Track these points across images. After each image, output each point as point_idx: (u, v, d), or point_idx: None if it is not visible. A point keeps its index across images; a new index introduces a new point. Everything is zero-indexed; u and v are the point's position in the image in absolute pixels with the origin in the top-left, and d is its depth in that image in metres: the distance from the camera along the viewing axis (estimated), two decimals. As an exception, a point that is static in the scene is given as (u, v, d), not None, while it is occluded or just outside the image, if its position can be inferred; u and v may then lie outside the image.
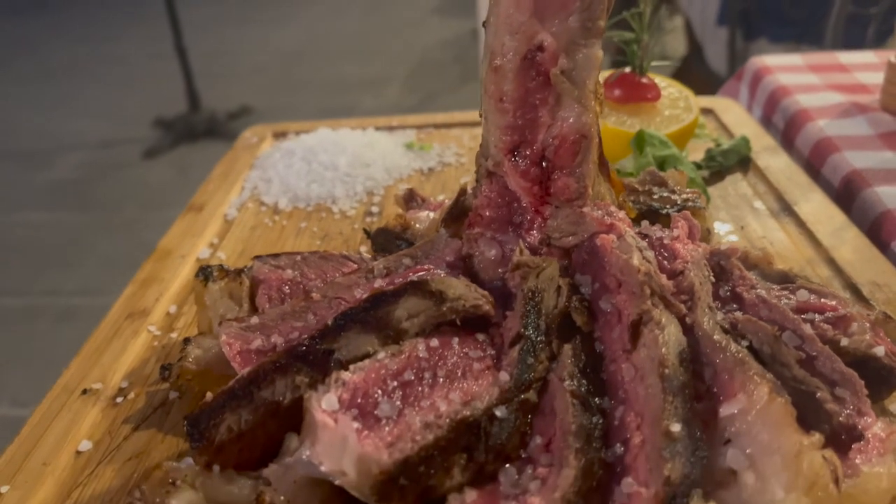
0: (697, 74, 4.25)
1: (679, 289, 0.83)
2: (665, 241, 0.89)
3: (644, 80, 1.41)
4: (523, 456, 0.73)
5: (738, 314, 0.81)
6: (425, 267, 0.94)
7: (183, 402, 0.94)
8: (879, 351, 0.81)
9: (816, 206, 1.26)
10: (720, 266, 0.89)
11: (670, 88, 1.47)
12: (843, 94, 1.71)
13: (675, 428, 0.68)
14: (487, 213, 0.96)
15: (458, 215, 0.99)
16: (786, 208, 1.28)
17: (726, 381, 0.74)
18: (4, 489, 0.82)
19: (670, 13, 5.56)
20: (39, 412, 0.94)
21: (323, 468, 0.68)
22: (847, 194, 1.37)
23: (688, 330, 0.79)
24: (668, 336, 0.75)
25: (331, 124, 1.70)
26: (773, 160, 1.44)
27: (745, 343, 0.79)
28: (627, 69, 1.42)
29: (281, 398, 0.76)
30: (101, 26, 7.81)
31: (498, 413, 0.73)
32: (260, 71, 6.39)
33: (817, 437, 0.68)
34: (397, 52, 6.59)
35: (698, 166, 1.39)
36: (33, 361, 2.94)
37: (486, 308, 0.83)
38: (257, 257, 1.03)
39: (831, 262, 1.12)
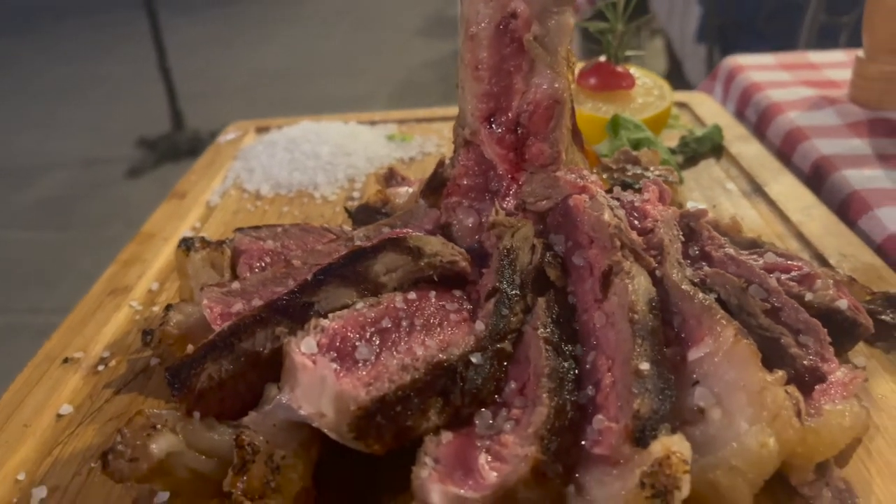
0: (678, 89, 4.33)
1: (649, 245, 0.85)
2: (636, 204, 0.92)
3: (619, 69, 1.45)
4: (498, 401, 0.75)
5: (707, 269, 0.84)
6: (404, 232, 0.96)
7: (164, 368, 0.95)
8: (842, 304, 0.84)
9: (786, 188, 1.30)
10: (690, 227, 0.91)
11: (645, 78, 1.51)
12: (814, 88, 1.76)
13: (644, 366, 0.70)
14: (465, 182, 0.98)
15: (436, 186, 1.01)
16: (757, 189, 1.31)
17: (694, 326, 0.76)
18: (-16, 448, 0.83)
19: (651, 34, 5.67)
20: (20, 380, 0.95)
21: (302, 412, 0.70)
22: (817, 179, 1.41)
23: (657, 282, 0.81)
24: (638, 285, 0.78)
25: (314, 118, 1.72)
26: (745, 147, 1.47)
27: (713, 295, 0.81)
28: (602, 58, 1.45)
29: (261, 349, 0.77)
30: (85, 46, 7.81)
31: (473, 359, 0.75)
32: (243, 91, 6.40)
33: (780, 374, 0.70)
34: (381, 72, 6.63)
35: (672, 151, 1.42)
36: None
37: (462, 264, 0.85)
38: (239, 229, 1.04)
39: (800, 236, 1.15)
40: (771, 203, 1.26)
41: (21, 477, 0.79)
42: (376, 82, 6.45)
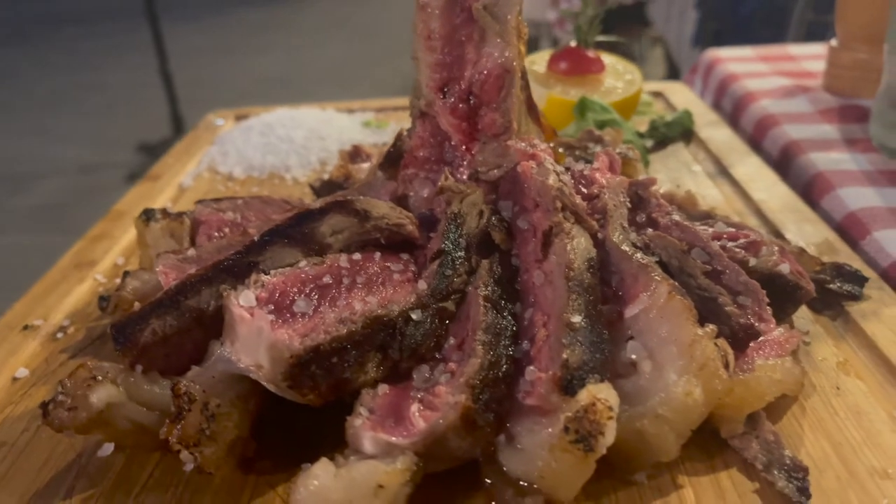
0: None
1: (594, 209, 0.87)
2: (585, 172, 0.93)
3: (589, 54, 1.46)
4: (438, 357, 0.76)
5: (650, 232, 0.85)
6: (359, 202, 0.97)
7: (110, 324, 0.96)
8: (784, 268, 0.85)
9: (751, 169, 1.31)
10: (638, 195, 0.92)
11: (618, 65, 1.52)
12: (789, 78, 1.77)
13: (576, 319, 0.71)
14: (421, 154, 1.00)
15: (394, 158, 1.02)
16: (722, 171, 1.33)
17: (630, 284, 0.77)
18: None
19: (652, 43, 5.69)
20: (-22, 347, 0.96)
21: (241, 364, 0.71)
22: (785, 162, 1.42)
23: (599, 244, 0.82)
24: (577, 245, 0.79)
25: (292, 107, 1.74)
26: (715, 132, 1.49)
27: (654, 258, 0.82)
28: (573, 43, 1.47)
29: (206, 306, 0.78)
30: (83, 56, 7.83)
31: (414, 316, 0.76)
32: (243, 97, 6.39)
33: (711, 328, 0.71)
34: (380, 80, 6.65)
35: (641, 135, 1.43)
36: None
37: (409, 228, 0.86)
38: (200, 201, 1.05)
39: (759, 213, 1.16)
40: (735, 183, 1.27)
41: (-29, 434, 0.81)
42: (373, 91, 6.46)
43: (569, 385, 0.67)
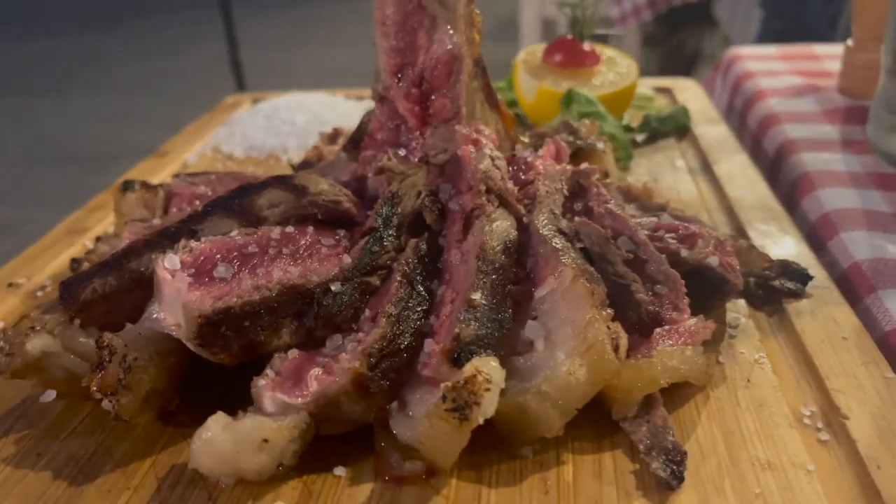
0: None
1: (526, 195, 0.88)
2: (528, 159, 0.95)
3: (585, 47, 1.47)
4: (354, 329, 0.80)
5: (577, 219, 0.86)
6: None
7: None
8: (713, 261, 0.85)
9: (735, 167, 1.30)
10: (579, 184, 0.94)
11: (617, 58, 1.52)
12: (805, 78, 1.73)
13: (476, 296, 0.74)
14: (379, 136, 1.03)
15: (357, 140, 1.06)
16: (706, 167, 1.32)
17: (542, 267, 0.79)
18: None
19: (724, 42, 5.57)
20: (-33, 300, 1.04)
21: (164, 323, 0.76)
22: (778, 161, 1.40)
23: (524, 229, 0.84)
24: (496, 227, 0.81)
25: (305, 91, 1.80)
26: (711, 129, 1.47)
27: (580, 245, 0.84)
28: (569, 35, 1.48)
29: (144, 269, 0.83)
30: (168, 42, 8.12)
31: (333, 288, 0.80)
32: (311, 87, 6.47)
33: (607, 312, 0.73)
34: None
35: (630, 129, 1.43)
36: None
37: (346, 205, 0.90)
38: (176, 175, 1.12)
39: (729, 210, 1.16)
40: (714, 180, 1.26)
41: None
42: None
43: (457, 358, 0.70)
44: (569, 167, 0.95)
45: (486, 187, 0.84)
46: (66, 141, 5.59)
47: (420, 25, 0.95)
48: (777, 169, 1.38)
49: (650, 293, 0.81)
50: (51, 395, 0.83)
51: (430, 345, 0.73)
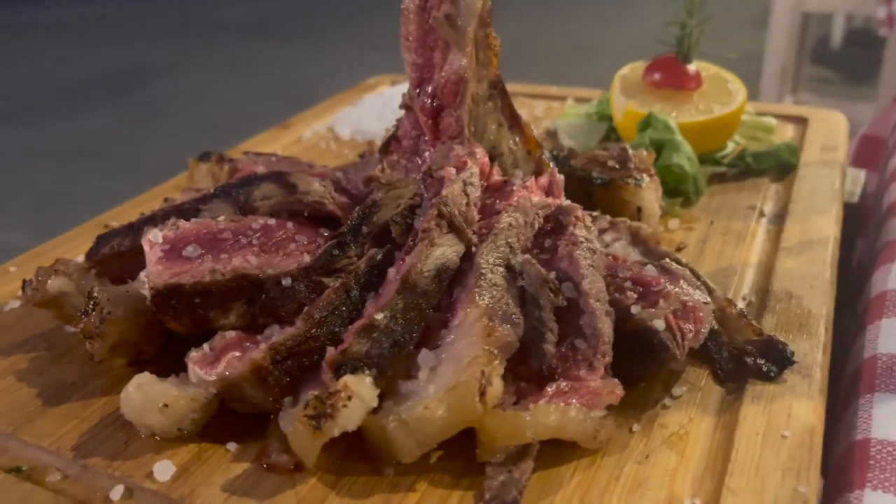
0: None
1: (488, 226, 0.90)
2: (513, 188, 0.95)
3: (688, 69, 1.38)
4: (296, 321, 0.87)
5: (522, 257, 0.86)
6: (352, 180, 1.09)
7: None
8: (659, 325, 0.81)
9: (808, 227, 1.16)
10: (558, 220, 0.92)
11: (729, 84, 1.41)
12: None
13: (380, 316, 0.78)
14: (404, 143, 1.09)
15: (388, 143, 1.12)
16: (776, 218, 1.20)
17: (462, 299, 0.81)
18: None
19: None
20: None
21: (144, 286, 0.89)
22: (882, 220, 1.24)
23: (471, 258, 0.86)
24: (433, 252, 0.84)
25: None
26: (819, 173, 1.33)
27: (521, 283, 0.84)
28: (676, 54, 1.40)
29: (153, 236, 0.97)
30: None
31: (284, 282, 0.88)
32: (548, 62, 6.25)
33: (496, 355, 0.74)
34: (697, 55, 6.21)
35: (717, 162, 1.34)
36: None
37: (329, 207, 0.97)
38: (246, 152, 1.25)
39: (767, 273, 1.05)
40: (772, 233, 1.15)
41: None
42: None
43: (339, 369, 0.75)
44: (554, 201, 0.94)
45: (437, 212, 0.86)
46: (320, 86, 6.09)
47: (436, 45, 0.99)
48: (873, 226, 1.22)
49: (568, 345, 0.80)
50: (70, 329, 1.00)
51: (330, 352, 0.79)
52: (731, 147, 1.41)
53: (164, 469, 0.76)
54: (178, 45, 6.94)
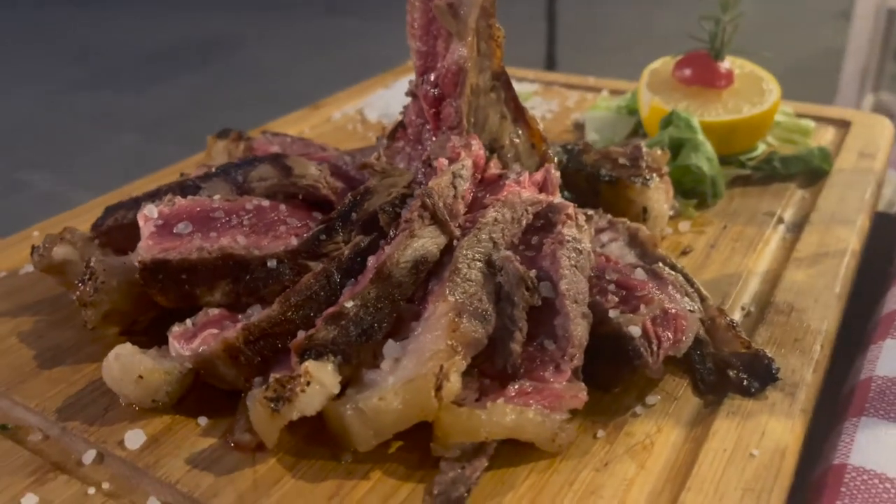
0: None
1: (474, 220, 0.89)
2: (506, 182, 0.94)
3: (720, 66, 1.34)
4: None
5: (504, 253, 0.85)
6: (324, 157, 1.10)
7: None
8: (635, 331, 0.79)
9: (824, 238, 1.11)
10: (548, 217, 0.91)
11: (763, 83, 1.36)
12: None
13: (349, 305, 0.79)
14: (409, 130, 1.09)
15: (395, 130, 1.12)
16: (795, 226, 1.15)
17: (435, 292, 0.81)
18: None
19: None
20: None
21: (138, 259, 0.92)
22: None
23: (452, 251, 0.86)
24: (412, 243, 0.84)
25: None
26: (851, 181, 1.27)
27: (500, 278, 0.83)
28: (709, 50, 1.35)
29: (155, 210, 1.00)
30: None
31: (269, 264, 0.89)
32: (622, 49, 6.02)
33: (459, 350, 0.73)
34: (778, 49, 5.93)
35: (740, 164, 1.29)
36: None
37: (323, 191, 0.98)
38: (264, 131, 1.27)
39: (773, 282, 1.02)
40: (787, 242, 1.11)
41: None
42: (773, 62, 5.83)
43: (304, 354, 0.76)
44: (546, 198, 0.93)
45: (421, 203, 0.86)
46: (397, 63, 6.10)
47: (440, 34, 0.98)
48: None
49: (537, 346, 0.79)
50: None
51: (300, 334, 0.80)
52: (760, 149, 1.36)
53: (134, 437, 0.79)
54: (261, 18, 7.06)
